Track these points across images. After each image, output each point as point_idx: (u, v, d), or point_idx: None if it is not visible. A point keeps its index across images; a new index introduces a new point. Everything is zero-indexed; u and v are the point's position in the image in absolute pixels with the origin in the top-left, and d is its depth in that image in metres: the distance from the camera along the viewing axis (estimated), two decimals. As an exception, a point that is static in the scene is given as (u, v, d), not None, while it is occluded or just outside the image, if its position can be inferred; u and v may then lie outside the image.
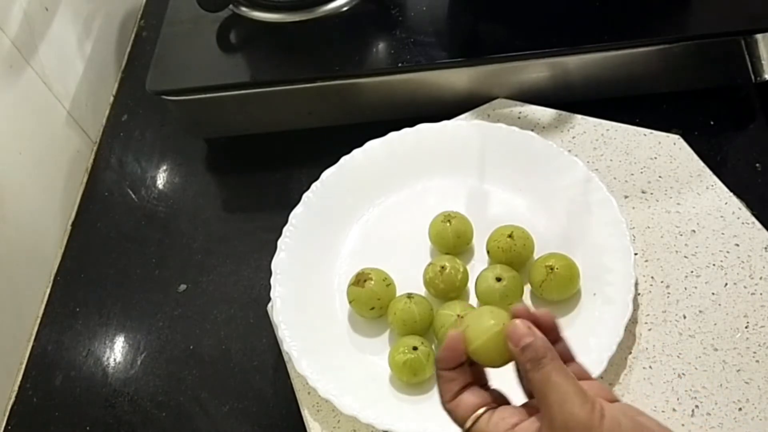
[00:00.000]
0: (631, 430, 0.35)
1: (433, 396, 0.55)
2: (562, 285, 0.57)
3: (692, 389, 0.54)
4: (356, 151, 0.68)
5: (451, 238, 0.61)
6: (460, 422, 0.39)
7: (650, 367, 0.55)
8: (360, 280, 0.58)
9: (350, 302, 0.59)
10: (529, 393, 0.40)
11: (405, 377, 0.55)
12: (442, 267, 0.58)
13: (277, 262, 0.62)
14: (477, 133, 0.68)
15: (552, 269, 0.56)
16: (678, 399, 0.53)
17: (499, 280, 0.57)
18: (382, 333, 0.59)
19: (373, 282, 0.58)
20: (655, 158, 0.67)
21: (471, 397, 0.39)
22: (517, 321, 0.37)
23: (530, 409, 0.38)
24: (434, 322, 0.57)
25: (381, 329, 0.59)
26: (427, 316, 0.57)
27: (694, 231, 0.62)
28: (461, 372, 0.40)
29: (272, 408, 0.61)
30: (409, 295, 0.57)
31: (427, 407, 0.54)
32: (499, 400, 0.40)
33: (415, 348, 0.54)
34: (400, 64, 0.70)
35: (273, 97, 0.73)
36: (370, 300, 0.58)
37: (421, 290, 0.60)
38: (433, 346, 0.56)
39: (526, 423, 0.37)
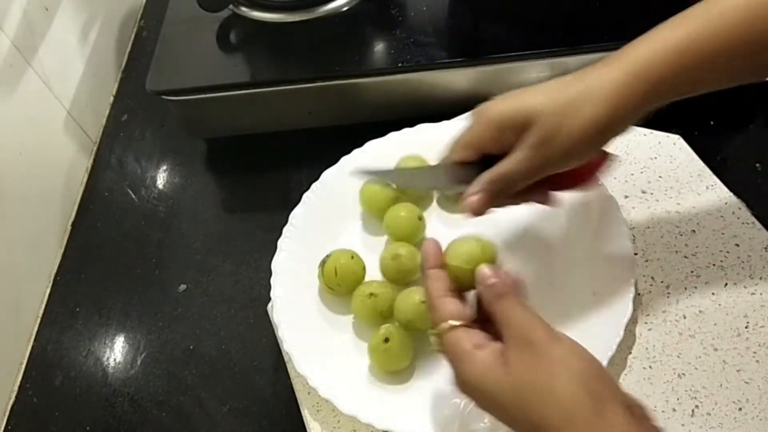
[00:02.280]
0: (581, 361, 0.39)
1: (434, 396, 0.55)
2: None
3: (692, 389, 0.54)
4: (356, 151, 0.68)
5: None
6: (437, 321, 0.43)
7: (650, 367, 0.55)
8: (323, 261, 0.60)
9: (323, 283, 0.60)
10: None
11: (383, 366, 0.56)
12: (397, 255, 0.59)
13: (277, 262, 0.62)
14: (477, 133, 0.68)
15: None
16: (678, 399, 0.53)
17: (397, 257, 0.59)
18: (382, 333, 0.59)
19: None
20: (655, 158, 0.67)
21: (452, 305, 0.43)
22: (484, 266, 0.44)
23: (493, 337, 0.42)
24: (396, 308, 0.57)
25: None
26: (388, 306, 0.58)
27: (694, 231, 0.62)
28: (444, 274, 0.45)
29: (272, 408, 0.61)
30: (371, 294, 0.58)
31: (427, 407, 0.54)
32: (470, 319, 0.43)
33: (386, 340, 0.55)
34: (400, 64, 0.70)
35: (273, 97, 0.73)
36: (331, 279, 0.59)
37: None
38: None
39: (495, 344, 0.41)
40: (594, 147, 0.48)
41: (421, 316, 0.55)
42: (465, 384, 0.41)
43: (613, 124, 0.46)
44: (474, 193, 0.49)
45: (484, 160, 0.50)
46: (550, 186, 0.52)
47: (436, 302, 0.44)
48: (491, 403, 0.39)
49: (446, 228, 0.64)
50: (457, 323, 0.42)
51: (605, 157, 0.52)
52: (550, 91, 0.48)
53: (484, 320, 0.43)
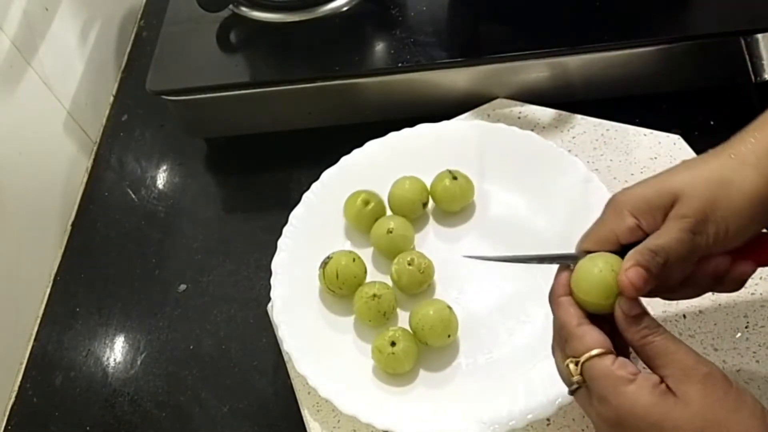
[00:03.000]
0: (755, 401, 0.38)
1: (434, 396, 0.55)
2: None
3: (692, 389, 0.54)
4: (356, 151, 0.68)
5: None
6: (579, 350, 0.40)
7: (650, 367, 0.55)
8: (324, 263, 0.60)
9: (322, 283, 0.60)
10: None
11: (387, 369, 0.56)
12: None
13: (277, 262, 0.62)
14: (477, 133, 0.68)
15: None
16: (678, 399, 0.53)
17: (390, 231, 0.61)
18: (382, 333, 0.59)
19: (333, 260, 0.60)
20: (655, 158, 0.67)
21: (596, 333, 0.41)
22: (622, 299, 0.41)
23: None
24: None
25: (381, 330, 0.59)
26: (391, 310, 0.58)
27: (694, 231, 0.62)
28: (574, 302, 0.43)
29: (272, 408, 0.61)
30: (374, 295, 0.58)
31: (427, 407, 0.54)
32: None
33: (393, 344, 0.55)
34: (400, 64, 0.70)
35: (273, 97, 0.73)
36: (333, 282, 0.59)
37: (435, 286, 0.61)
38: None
39: (647, 374, 0.39)
40: (757, 218, 0.42)
41: (434, 328, 0.55)
42: (624, 414, 0.38)
43: None
44: (632, 266, 0.41)
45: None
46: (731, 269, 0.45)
47: (577, 330, 0.41)
48: None
49: (441, 243, 0.64)
50: (603, 351, 0.40)
51: None
52: (691, 167, 0.44)
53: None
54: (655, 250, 0.41)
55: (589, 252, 0.44)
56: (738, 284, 0.45)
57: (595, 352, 0.40)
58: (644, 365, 0.40)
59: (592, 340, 0.41)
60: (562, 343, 0.43)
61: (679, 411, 0.37)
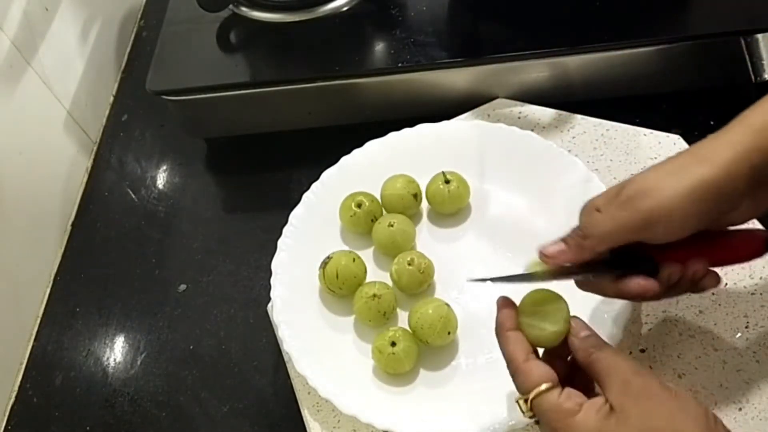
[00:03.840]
0: (697, 406, 0.39)
1: (434, 396, 0.55)
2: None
3: (692, 389, 0.54)
4: (356, 151, 0.68)
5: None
6: (527, 387, 0.42)
7: (650, 367, 0.55)
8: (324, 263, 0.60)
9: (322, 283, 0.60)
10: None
11: (388, 369, 0.56)
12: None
13: (277, 262, 0.62)
14: (477, 133, 0.68)
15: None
16: (678, 399, 0.53)
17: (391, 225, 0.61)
18: (382, 333, 0.59)
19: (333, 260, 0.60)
20: (655, 158, 0.67)
21: (541, 368, 0.42)
22: (577, 320, 0.45)
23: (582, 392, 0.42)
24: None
25: (381, 330, 0.59)
26: (391, 309, 0.59)
27: (694, 231, 0.62)
28: (522, 337, 0.44)
29: (272, 408, 0.61)
30: (374, 295, 0.58)
31: (427, 407, 0.54)
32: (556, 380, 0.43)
33: (393, 344, 0.55)
34: (400, 64, 0.70)
35: (273, 97, 0.73)
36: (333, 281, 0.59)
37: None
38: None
39: (592, 400, 0.40)
40: (697, 216, 0.42)
41: (434, 326, 0.55)
42: None
43: (721, 187, 0.41)
44: (555, 242, 0.46)
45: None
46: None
47: (523, 366, 0.43)
48: None
49: (436, 242, 0.64)
50: (549, 386, 0.41)
51: (761, 234, 0.49)
52: (657, 165, 0.44)
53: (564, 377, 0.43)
54: (574, 229, 0.45)
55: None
56: (696, 287, 0.47)
57: (543, 387, 0.41)
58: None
59: (539, 375, 0.42)
60: (512, 377, 0.44)
61: (622, 427, 0.39)
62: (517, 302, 0.47)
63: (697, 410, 0.39)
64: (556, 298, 0.45)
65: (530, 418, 0.42)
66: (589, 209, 0.45)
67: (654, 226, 0.43)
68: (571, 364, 0.46)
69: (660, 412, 0.39)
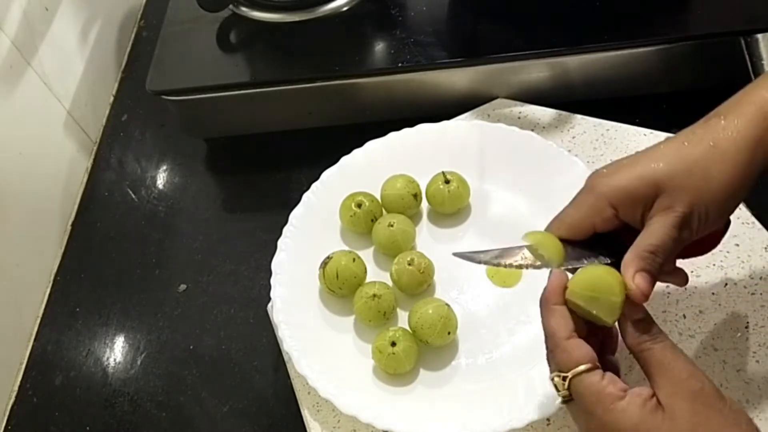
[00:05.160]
0: (749, 423, 0.39)
1: (434, 396, 0.55)
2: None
3: (692, 389, 0.54)
4: (356, 151, 0.68)
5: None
6: (567, 365, 0.40)
7: (650, 367, 0.55)
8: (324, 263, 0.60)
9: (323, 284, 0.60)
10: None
11: (388, 369, 0.56)
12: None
13: (277, 262, 0.62)
14: (477, 133, 0.68)
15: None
16: (678, 399, 0.53)
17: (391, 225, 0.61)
18: (382, 333, 0.59)
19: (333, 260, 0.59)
20: (655, 158, 0.67)
21: (584, 347, 0.40)
22: (631, 301, 0.41)
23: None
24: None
25: (381, 330, 0.59)
26: (391, 309, 0.58)
27: (694, 231, 0.62)
28: (567, 313, 0.42)
29: (272, 408, 0.61)
30: (374, 295, 0.58)
31: (427, 407, 0.54)
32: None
33: (393, 344, 0.55)
34: (400, 64, 0.70)
35: (273, 97, 0.73)
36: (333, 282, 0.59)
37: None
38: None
39: (637, 389, 0.39)
40: (730, 210, 0.44)
41: (434, 326, 0.55)
42: (610, 430, 0.38)
43: (747, 184, 0.42)
44: (637, 272, 0.42)
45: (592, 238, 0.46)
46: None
47: (565, 343, 0.41)
48: None
49: (442, 243, 0.64)
50: (591, 366, 0.40)
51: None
52: (671, 154, 0.44)
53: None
54: (654, 251, 0.41)
55: (564, 240, 0.45)
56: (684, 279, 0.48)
57: (583, 367, 0.40)
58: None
59: (581, 354, 0.40)
60: (549, 352, 0.42)
61: (667, 426, 0.37)
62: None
63: (749, 426, 0.38)
64: (610, 283, 0.42)
65: (563, 397, 0.41)
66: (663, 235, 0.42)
67: (702, 233, 0.44)
68: (600, 345, 0.44)
69: (710, 423, 0.37)
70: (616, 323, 0.42)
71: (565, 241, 0.46)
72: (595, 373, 0.40)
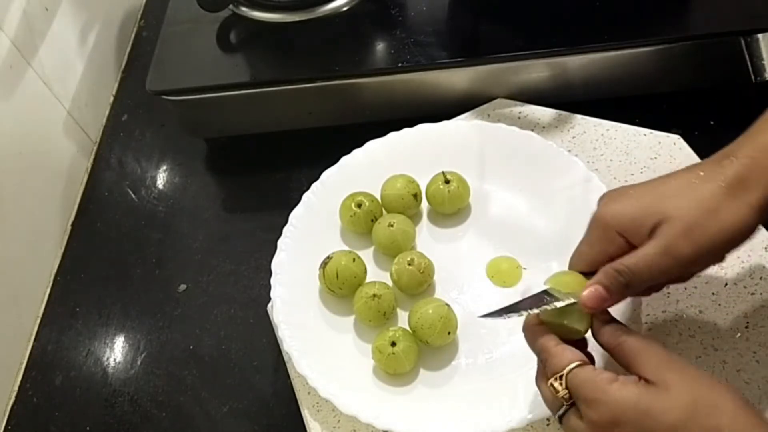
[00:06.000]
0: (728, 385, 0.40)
1: (434, 396, 0.55)
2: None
3: (692, 389, 0.54)
4: (356, 151, 0.68)
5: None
6: (561, 365, 0.43)
7: (650, 367, 0.55)
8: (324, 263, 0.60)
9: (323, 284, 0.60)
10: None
11: (388, 369, 0.56)
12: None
13: (277, 262, 0.62)
14: (477, 133, 0.68)
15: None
16: (678, 399, 0.53)
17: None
18: (382, 333, 0.59)
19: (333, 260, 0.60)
20: (655, 158, 0.67)
21: (571, 351, 0.44)
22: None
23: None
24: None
25: (381, 330, 0.59)
26: (391, 309, 0.59)
27: (694, 231, 0.62)
28: (547, 329, 0.46)
29: (272, 408, 0.61)
30: (374, 295, 0.58)
31: (427, 407, 0.54)
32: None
33: (393, 344, 0.55)
34: (400, 64, 0.70)
35: (273, 97, 0.73)
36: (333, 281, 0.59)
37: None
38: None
39: (626, 375, 0.41)
40: (728, 250, 0.45)
41: (434, 326, 0.55)
42: (615, 409, 0.40)
43: (755, 226, 0.43)
44: (594, 284, 0.45)
45: None
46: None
47: (555, 350, 0.44)
48: (649, 428, 0.39)
49: (436, 242, 0.64)
50: (582, 362, 0.43)
51: None
52: (681, 187, 0.45)
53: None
54: (619, 270, 0.44)
55: (584, 272, 0.47)
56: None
57: (575, 363, 0.42)
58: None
59: (571, 354, 0.43)
60: (543, 369, 0.45)
61: (664, 396, 0.39)
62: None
63: (731, 386, 0.40)
64: (576, 291, 0.45)
65: (562, 398, 0.42)
66: (632, 262, 0.44)
67: (694, 266, 0.45)
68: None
69: (702, 384, 0.39)
70: (589, 331, 0.45)
71: (586, 274, 0.47)
72: (587, 366, 0.42)
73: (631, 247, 0.45)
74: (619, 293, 0.44)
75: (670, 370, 0.40)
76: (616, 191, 0.48)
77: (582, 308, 0.45)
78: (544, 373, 0.45)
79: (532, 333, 0.46)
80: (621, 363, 0.43)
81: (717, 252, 0.44)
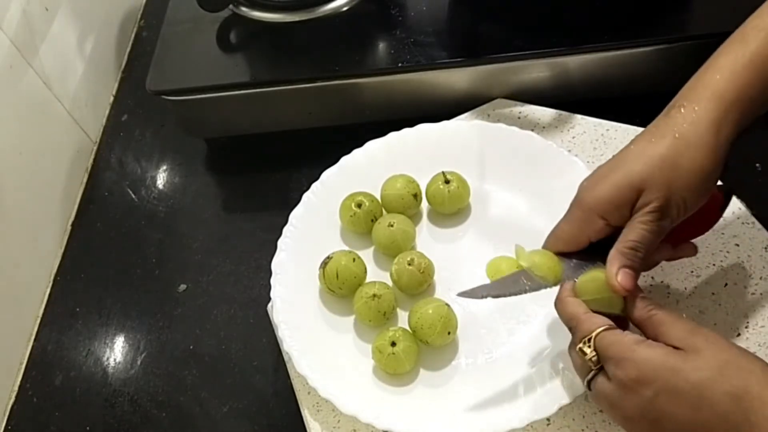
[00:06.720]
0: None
1: (434, 396, 0.55)
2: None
3: (692, 389, 0.54)
4: (356, 151, 0.68)
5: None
6: (590, 329, 0.44)
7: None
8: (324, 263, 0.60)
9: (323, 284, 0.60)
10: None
11: (388, 369, 0.56)
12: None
13: (277, 262, 0.62)
14: (477, 133, 0.68)
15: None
16: (678, 399, 0.53)
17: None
18: (382, 333, 0.59)
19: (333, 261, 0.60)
20: (655, 158, 0.67)
21: (599, 318, 0.45)
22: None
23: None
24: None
25: (381, 330, 0.59)
26: (391, 309, 0.59)
27: (694, 231, 0.62)
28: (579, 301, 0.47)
29: (272, 408, 0.61)
30: (374, 295, 0.58)
31: (427, 407, 0.54)
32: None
33: (393, 344, 0.55)
34: (400, 64, 0.70)
35: (273, 97, 0.73)
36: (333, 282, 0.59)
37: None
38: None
39: (650, 341, 0.43)
40: (707, 191, 0.48)
41: (434, 326, 0.55)
42: (644, 367, 0.41)
43: (717, 164, 0.46)
44: (619, 269, 0.46)
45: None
46: (676, 240, 0.51)
47: (584, 317, 0.45)
48: (676, 385, 0.40)
49: (436, 242, 0.64)
50: (611, 326, 0.44)
51: (720, 192, 0.52)
52: (641, 153, 0.48)
53: None
54: (634, 247, 0.46)
55: (561, 253, 0.50)
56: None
57: (603, 327, 0.44)
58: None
59: (599, 320, 0.45)
60: (572, 332, 0.46)
61: (693, 356, 0.40)
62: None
63: (755, 356, 0.41)
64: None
65: (590, 360, 0.43)
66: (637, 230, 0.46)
67: (682, 216, 0.47)
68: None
69: (732, 349, 0.41)
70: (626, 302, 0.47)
71: (562, 254, 0.50)
72: (615, 330, 0.44)
73: (612, 227, 0.48)
74: (640, 269, 0.46)
75: (700, 336, 0.41)
76: (593, 176, 0.50)
77: (614, 297, 0.46)
78: (574, 342, 0.46)
79: (563, 303, 0.47)
80: (651, 335, 0.44)
81: (700, 193, 0.47)
